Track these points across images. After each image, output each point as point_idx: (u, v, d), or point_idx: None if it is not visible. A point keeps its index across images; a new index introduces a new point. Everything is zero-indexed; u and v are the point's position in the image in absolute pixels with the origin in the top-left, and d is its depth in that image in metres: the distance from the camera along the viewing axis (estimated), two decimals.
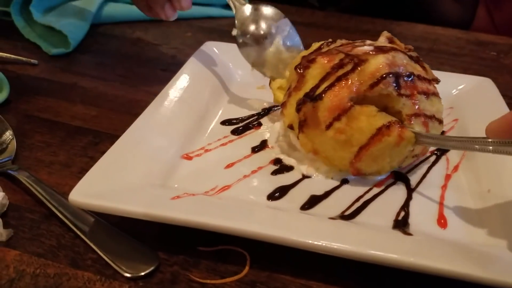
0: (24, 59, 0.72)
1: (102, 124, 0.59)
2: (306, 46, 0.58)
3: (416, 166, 0.53)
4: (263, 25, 0.62)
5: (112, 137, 0.51)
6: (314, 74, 0.50)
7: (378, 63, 0.47)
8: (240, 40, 0.61)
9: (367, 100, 0.47)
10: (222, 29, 0.89)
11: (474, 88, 0.65)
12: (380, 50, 0.49)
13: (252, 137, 0.57)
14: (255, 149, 0.55)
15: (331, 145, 0.48)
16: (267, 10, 0.63)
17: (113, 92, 0.66)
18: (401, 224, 0.44)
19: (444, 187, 0.50)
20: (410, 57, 0.51)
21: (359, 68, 0.47)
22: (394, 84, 0.47)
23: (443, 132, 0.59)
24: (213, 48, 0.71)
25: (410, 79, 0.48)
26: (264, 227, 0.40)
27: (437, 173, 0.52)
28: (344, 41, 0.54)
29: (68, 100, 0.63)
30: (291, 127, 0.52)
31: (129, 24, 0.89)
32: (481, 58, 0.86)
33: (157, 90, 0.58)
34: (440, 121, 0.51)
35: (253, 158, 0.54)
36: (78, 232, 0.42)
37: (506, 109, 0.57)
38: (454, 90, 0.66)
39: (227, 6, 0.95)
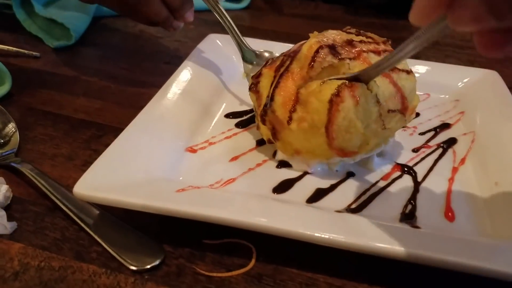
0: (26, 52, 0.72)
1: (106, 117, 0.58)
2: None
3: (423, 159, 0.53)
4: None
5: (115, 130, 0.51)
6: (265, 85, 0.51)
7: (309, 45, 0.48)
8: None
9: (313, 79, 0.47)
10: None
11: (480, 81, 0.65)
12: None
13: (257, 130, 0.57)
14: (260, 142, 0.54)
15: (302, 137, 0.48)
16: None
17: (116, 85, 0.66)
18: (408, 217, 0.44)
19: (451, 180, 0.50)
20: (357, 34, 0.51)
21: (295, 58, 0.48)
22: (332, 54, 0.47)
23: (449, 125, 0.59)
24: (216, 40, 0.70)
25: (349, 45, 0.48)
26: (270, 220, 0.39)
27: (444, 166, 0.52)
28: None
29: (71, 93, 0.63)
30: (270, 141, 0.52)
31: None
32: None
33: (160, 83, 0.57)
34: (408, 71, 0.50)
35: (258, 151, 0.53)
36: (83, 225, 0.41)
37: None
38: (460, 83, 0.66)
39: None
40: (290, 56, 0.50)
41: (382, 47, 0.50)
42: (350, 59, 0.47)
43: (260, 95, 0.52)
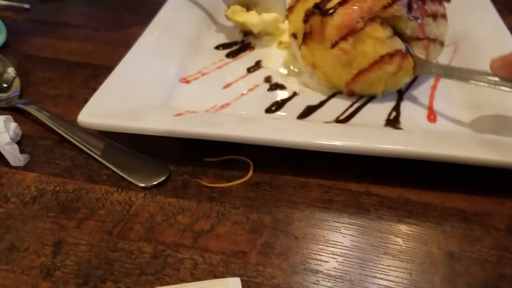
0: (16, 4, 0.73)
1: (99, 58, 0.60)
2: None
3: None
4: None
5: (110, 69, 0.53)
6: None
7: None
8: None
9: (376, 19, 0.47)
10: None
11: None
12: None
13: (247, 59, 0.59)
14: (250, 70, 0.57)
15: (332, 63, 0.49)
16: None
17: (106, 27, 0.68)
18: (392, 122, 0.47)
19: (433, 87, 0.52)
20: None
21: None
22: (407, 7, 0.47)
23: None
24: None
25: (421, 1, 0.48)
26: (264, 132, 0.42)
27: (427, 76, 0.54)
28: None
29: (64, 39, 0.65)
30: (294, 36, 0.52)
31: None
32: None
33: (148, 22, 0.59)
34: (442, 43, 0.52)
35: (249, 77, 0.56)
36: (91, 153, 0.45)
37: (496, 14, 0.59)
38: None
39: None
40: None
41: (441, 9, 0.51)
42: (415, 18, 0.48)
43: None
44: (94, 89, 0.54)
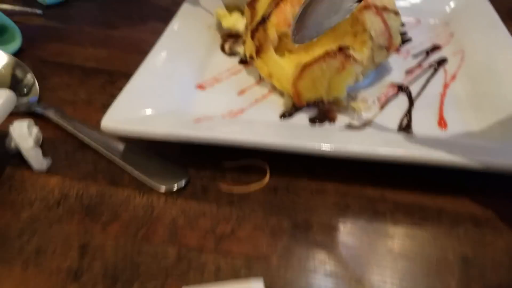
0: (29, 10, 0.74)
1: (115, 64, 0.62)
2: None
3: (416, 78, 0.57)
4: None
5: (126, 75, 0.54)
6: (263, 5, 0.54)
7: None
8: None
9: None
10: None
11: (467, 3, 0.68)
12: None
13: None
14: None
15: (280, 65, 0.52)
16: None
17: (119, 34, 0.69)
18: (405, 128, 0.48)
19: (443, 94, 0.54)
20: None
21: None
22: None
23: (439, 47, 0.62)
24: None
25: None
26: (281, 138, 0.43)
27: (436, 83, 0.55)
28: None
29: (79, 44, 0.66)
30: (251, 57, 0.55)
31: None
32: None
33: (161, 29, 0.60)
34: (396, 12, 0.54)
35: (263, 84, 0.57)
36: (113, 157, 0.46)
37: (500, 23, 0.60)
38: (447, 7, 0.69)
39: None
40: None
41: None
42: None
43: (255, 12, 0.55)
44: (111, 95, 0.55)
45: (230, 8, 0.65)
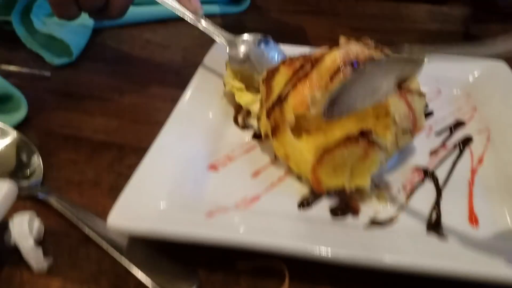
0: (37, 72, 0.72)
1: (125, 136, 0.59)
2: (330, 40, 0.58)
3: (441, 161, 0.54)
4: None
5: (136, 150, 0.52)
6: (279, 82, 0.52)
7: (333, 58, 0.49)
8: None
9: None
10: (228, 24, 0.88)
11: (489, 74, 0.65)
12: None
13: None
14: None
15: (299, 149, 0.49)
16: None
17: (130, 101, 0.66)
18: (435, 227, 0.45)
19: (471, 183, 0.50)
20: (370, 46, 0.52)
21: (317, 66, 0.49)
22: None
23: (463, 123, 0.59)
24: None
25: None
26: (299, 241, 0.40)
27: (462, 167, 0.53)
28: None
29: (87, 113, 0.63)
30: (266, 136, 0.53)
31: (136, 26, 0.88)
32: None
33: (173, 95, 0.59)
34: (420, 94, 0.52)
35: (279, 164, 0.54)
36: (118, 255, 0.42)
37: None
38: (470, 76, 0.67)
39: (231, 2, 0.95)
40: (311, 63, 0.51)
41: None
42: None
43: (271, 90, 0.53)
44: (119, 174, 0.53)
45: (235, 73, 0.63)
